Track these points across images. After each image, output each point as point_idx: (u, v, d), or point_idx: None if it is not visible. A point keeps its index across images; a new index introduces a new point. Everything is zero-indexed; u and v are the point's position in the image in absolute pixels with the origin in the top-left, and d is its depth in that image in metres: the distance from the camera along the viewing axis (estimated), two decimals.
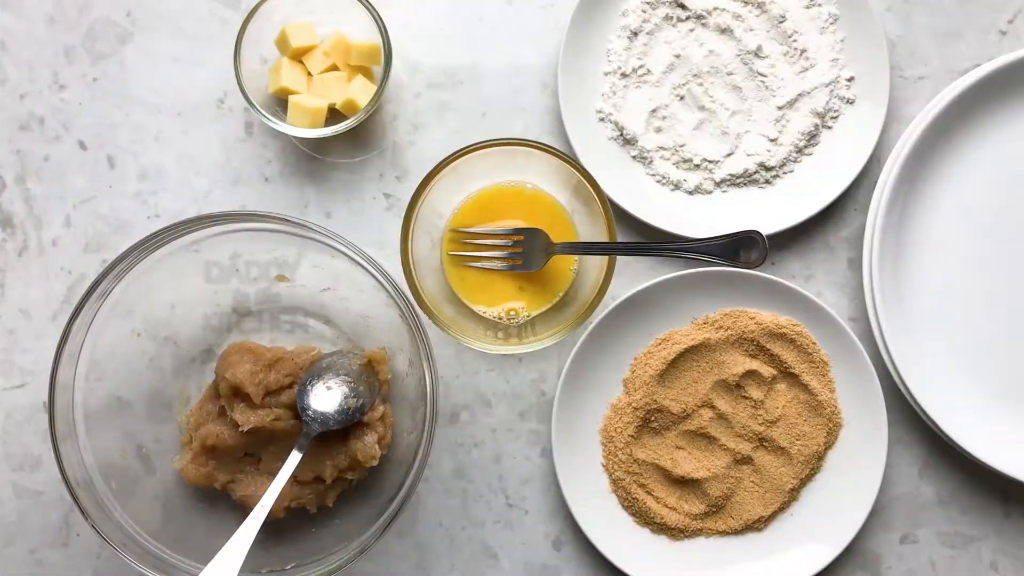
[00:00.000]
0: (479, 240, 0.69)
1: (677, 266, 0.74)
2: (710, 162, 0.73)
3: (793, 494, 0.72)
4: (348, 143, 0.74)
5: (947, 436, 0.70)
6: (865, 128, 0.72)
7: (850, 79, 0.73)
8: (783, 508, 0.73)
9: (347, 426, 0.68)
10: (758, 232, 0.69)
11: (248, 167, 0.74)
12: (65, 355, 0.62)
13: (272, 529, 0.70)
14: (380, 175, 0.74)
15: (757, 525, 0.73)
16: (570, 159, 0.63)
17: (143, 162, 0.74)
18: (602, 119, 0.74)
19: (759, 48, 0.72)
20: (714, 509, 0.72)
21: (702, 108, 0.73)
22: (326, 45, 0.71)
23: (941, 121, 0.70)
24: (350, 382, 0.68)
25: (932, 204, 0.73)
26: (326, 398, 0.67)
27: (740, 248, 0.70)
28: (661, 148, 0.73)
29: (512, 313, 0.70)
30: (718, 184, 0.74)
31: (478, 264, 0.70)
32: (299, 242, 0.69)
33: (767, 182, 0.74)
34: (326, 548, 0.67)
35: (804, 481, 0.73)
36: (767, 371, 0.72)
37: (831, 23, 0.73)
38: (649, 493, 0.72)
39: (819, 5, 0.72)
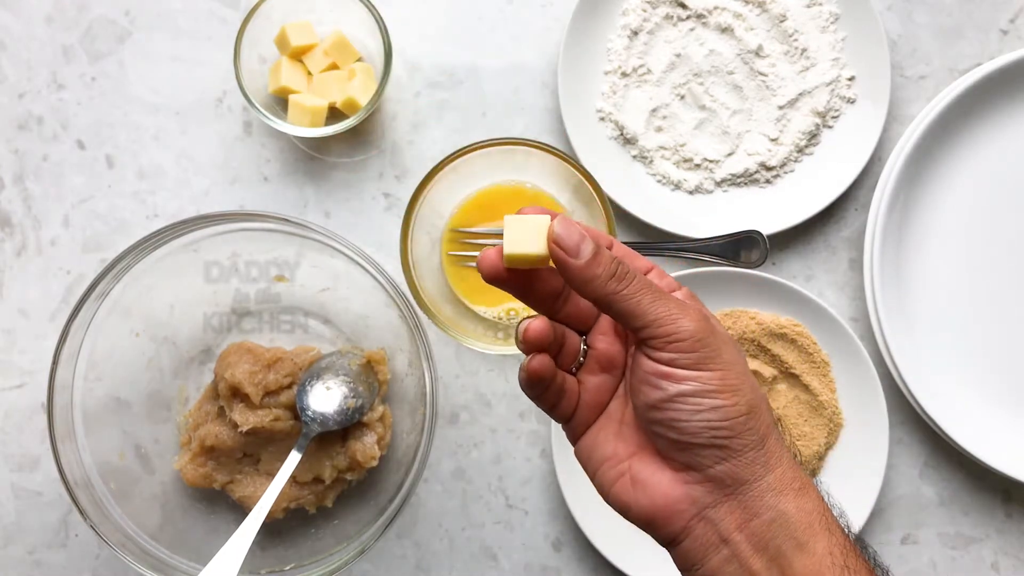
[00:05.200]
0: (479, 240, 0.69)
1: (677, 266, 0.73)
2: (711, 162, 0.73)
3: None
4: (348, 143, 0.74)
5: (948, 436, 0.70)
6: (866, 127, 0.72)
7: (851, 78, 0.73)
8: None
9: (346, 426, 0.67)
10: (759, 232, 0.69)
11: (247, 166, 0.74)
12: (64, 355, 0.62)
13: (271, 530, 0.69)
14: (380, 175, 0.74)
15: None
16: (570, 159, 0.63)
17: (142, 162, 0.74)
18: (602, 118, 0.73)
19: (760, 47, 0.72)
20: None
21: (703, 107, 0.73)
22: (326, 44, 0.71)
23: (942, 121, 0.70)
24: (349, 382, 0.68)
25: (933, 204, 0.72)
26: (325, 398, 0.67)
27: (741, 248, 0.69)
28: (661, 148, 0.73)
29: (512, 313, 0.70)
30: (719, 184, 0.73)
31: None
32: (298, 242, 0.69)
33: (768, 182, 0.74)
34: (325, 549, 0.67)
35: None
36: (768, 371, 0.72)
37: (832, 22, 0.72)
38: None
39: (820, 4, 0.72)
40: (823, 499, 0.40)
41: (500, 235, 0.68)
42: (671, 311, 0.40)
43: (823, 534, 0.39)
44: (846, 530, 0.40)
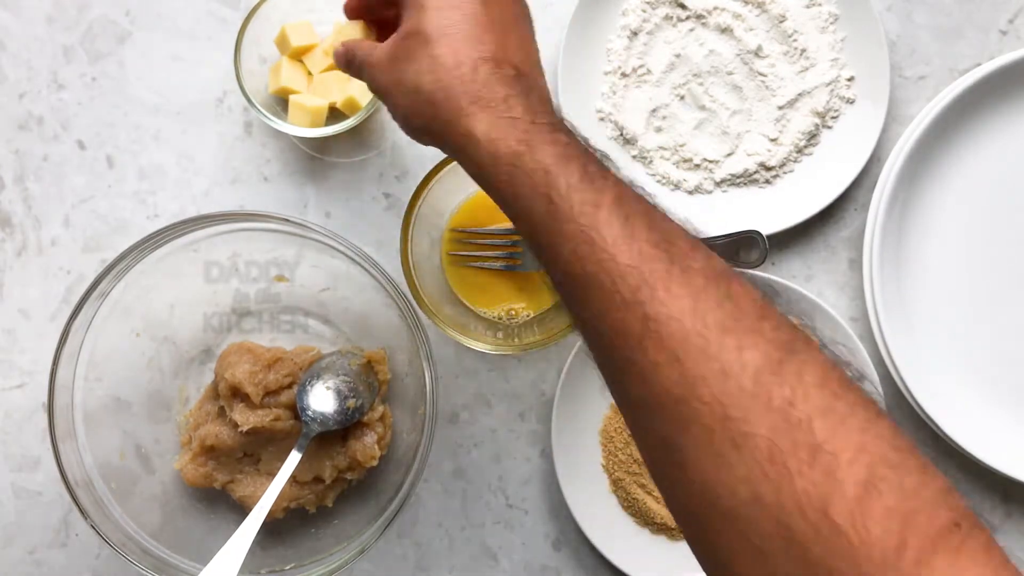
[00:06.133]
0: (479, 240, 0.69)
1: None
2: (710, 162, 0.73)
3: None
4: (348, 143, 0.74)
5: (947, 436, 0.70)
6: (865, 128, 0.72)
7: (850, 79, 0.73)
8: None
9: (346, 426, 0.68)
10: (758, 232, 0.69)
11: (247, 167, 0.74)
12: (64, 355, 0.62)
13: (271, 529, 0.70)
14: (380, 175, 0.74)
15: None
16: None
17: (142, 162, 0.74)
18: (602, 119, 0.73)
19: (759, 48, 0.72)
20: None
21: (702, 108, 0.73)
22: (326, 44, 0.71)
23: (941, 121, 0.70)
24: (349, 382, 0.68)
25: (932, 204, 0.72)
26: (325, 398, 0.67)
27: (740, 248, 0.69)
28: (661, 148, 0.73)
29: (512, 313, 0.70)
30: (718, 184, 0.73)
31: (478, 264, 0.70)
32: (298, 242, 0.69)
33: (767, 182, 0.74)
34: (325, 548, 0.67)
35: None
36: None
37: (831, 23, 0.72)
38: (649, 493, 0.72)
39: (819, 5, 0.72)
40: (501, 116, 0.46)
41: (500, 235, 0.69)
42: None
43: (472, 144, 0.46)
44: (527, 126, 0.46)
